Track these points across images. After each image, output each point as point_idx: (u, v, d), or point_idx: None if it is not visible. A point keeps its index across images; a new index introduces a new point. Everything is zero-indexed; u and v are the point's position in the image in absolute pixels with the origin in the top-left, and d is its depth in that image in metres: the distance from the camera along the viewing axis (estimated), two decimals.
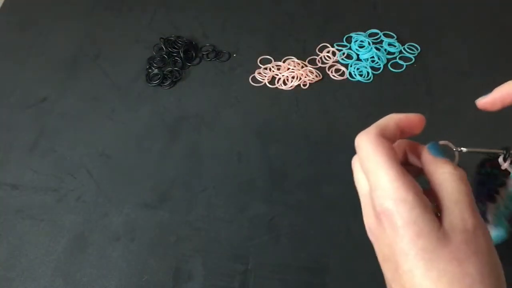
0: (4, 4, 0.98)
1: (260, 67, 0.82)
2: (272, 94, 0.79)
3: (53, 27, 0.92)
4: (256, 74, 0.81)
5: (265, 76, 0.80)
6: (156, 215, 0.65)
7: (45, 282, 0.60)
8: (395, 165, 0.29)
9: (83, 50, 0.87)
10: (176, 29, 0.90)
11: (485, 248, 0.27)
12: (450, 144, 0.34)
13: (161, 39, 0.86)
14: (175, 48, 0.84)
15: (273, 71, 0.81)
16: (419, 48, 0.83)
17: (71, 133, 0.75)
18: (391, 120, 0.32)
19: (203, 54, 0.85)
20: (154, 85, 0.81)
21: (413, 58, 0.82)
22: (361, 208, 0.36)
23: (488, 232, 0.28)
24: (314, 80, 0.80)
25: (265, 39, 0.87)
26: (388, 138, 0.31)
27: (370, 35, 0.86)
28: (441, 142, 0.35)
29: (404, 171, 0.29)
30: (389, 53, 0.83)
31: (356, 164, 0.33)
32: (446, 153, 0.33)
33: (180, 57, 0.83)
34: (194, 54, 0.85)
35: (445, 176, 0.30)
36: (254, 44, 0.86)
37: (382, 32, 0.86)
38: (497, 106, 0.36)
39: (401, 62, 0.81)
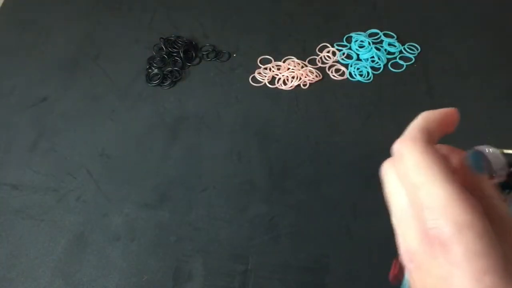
0: (4, 4, 0.98)
1: (260, 67, 0.82)
2: (272, 94, 0.79)
3: (53, 27, 0.92)
4: (256, 74, 0.81)
5: (265, 76, 0.80)
6: (156, 215, 0.65)
7: (45, 282, 0.60)
8: (454, 180, 0.23)
9: (83, 50, 0.87)
10: (176, 29, 0.90)
11: None
12: (493, 151, 0.27)
13: (161, 39, 0.86)
14: (175, 48, 0.84)
15: (273, 71, 0.81)
16: (419, 48, 0.83)
17: (71, 133, 0.75)
18: (432, 121, 0.26)
19: (203, 54, 0.85)
20: (154, 85, 0.81)
21: (413, 58, 0.82)
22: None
23: None
24: (314, 80, 0.80)
25: (265, 39, 0.87)
26: (434, 145, 0.25)
27: (370, 35, 0.86)
28: (480, 148, 0.26)
29: (464, 189, 0.23)
30: (389, 53, 0.83)
31: (391, 174, 0.26)
32: (486, 163, 0.26)
33: (180, 57, 0.83)
34: (194, 54, 0.84)
35: (494, 202, 0.25)
36: (254, 44, 0.86)
37: (382, 32, 0.86)
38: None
39: (401, 62, 0.81)
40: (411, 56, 0.82)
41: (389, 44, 0.84)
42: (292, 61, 0.82)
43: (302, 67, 0.81)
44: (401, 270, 0.31)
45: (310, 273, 0.59)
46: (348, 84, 0.80)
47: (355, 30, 0.87)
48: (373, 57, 0.81)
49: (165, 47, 0.85)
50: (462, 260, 0.21)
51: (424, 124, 0.26)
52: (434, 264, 0.23)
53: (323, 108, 0.76)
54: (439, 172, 0.24)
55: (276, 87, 0.79)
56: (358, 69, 0.81)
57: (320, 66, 0.82)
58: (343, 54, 0.83)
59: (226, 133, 0.74)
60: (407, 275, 0.27)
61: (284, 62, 0.82)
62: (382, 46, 0.83)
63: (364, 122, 0.74)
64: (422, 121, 0.27)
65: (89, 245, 0.63)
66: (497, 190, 0.26)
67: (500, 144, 0.37)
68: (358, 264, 0.60)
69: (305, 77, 0.79)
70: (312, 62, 0.83)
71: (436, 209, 0.23)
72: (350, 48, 0.84)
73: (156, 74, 0.82)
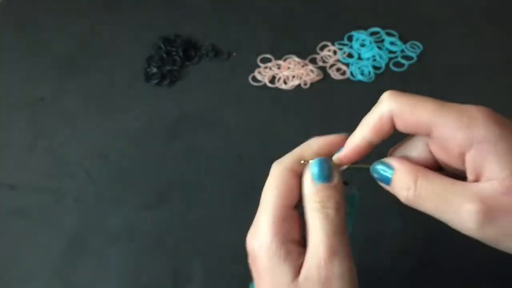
0: (3, 3, 0.97)
1: (260, 66, 0.81)
2: (272, 94, 0.78)
3: (52, 26, 0.92)
4: (256, 73, 0.80)
5: (265, 75, 0.80)
6: (155, 215, 0.65)
7: (43, 283, 0.59)
8: (280, 207, 0.29)
9: (82, 50, 0.87)
10: (175, 28, 0.89)
11: None
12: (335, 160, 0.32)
13: (160, 38, 0.85)
14: (174, 47, 0.84)
15: (273, 70, 0.80)
16: (421, 46, 0.82)
17: (69, 133, 0.75)
18: (309, 149, 0.33)
19: (202, 53, 0.84)
20: (153, 85, 0.80)
21: (415, 57, 0.81)
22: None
23: (347, 276, 0.29)
24: (314, 79, 0.79)
25: (265, 38, 0.86)
26: (298, 171, 0.30)
27: (371, 34, 0.85)
28: (334, 157, 0.32)
29: (289, 216, 0.29)
30: (390, 52, 0.82)
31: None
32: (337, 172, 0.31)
33: (180, 56, 0.83)
34: (193, 53, 0.84)
35: (316, 207, 0.30)
36: (254, 43, 0.86)
37: (384, 31, 0.85)
38: (353, 160, 0.34)
39: (403, 61, 0.81)
40: (413, 55, 0.81)
41: (391, 43, 0.83)
42: (293, 60, 0.82)
43: (303, 66, 0.80)
44: None
45: None
46: (349, 83, 0.79)
47: (356, 28, 0.86)
48: (374, 56, 0.81)
49: (164, 46, 0.84)
50: (261, 272, 0.30)
51: (301, 150, 0.33)
52: (253, 271, 0.32)
53: (324, 107, 0.76)
54: (273, 199, 0.30)
55: (276, 87, 0.79)
56: (359, 68, 0.80)
57: (320, 65, 0.81)
58: (344, 53, 0.82)
59: (226, 133, 0.73)
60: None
61: (284, 61, 0.82)
62: (383, 45, 0.83)
63: None
64: (303, 146, 0.34)
65: (88, 246, 0.62)
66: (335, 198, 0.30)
67: None
68: (358, 264, 0.59)
69: (306, 76, 0.79)
70: (313, 61, 0.82)
71: (255, 228, 0.31)
72: (351, 47, 0.83)
73: (155, 73, 0.81)
